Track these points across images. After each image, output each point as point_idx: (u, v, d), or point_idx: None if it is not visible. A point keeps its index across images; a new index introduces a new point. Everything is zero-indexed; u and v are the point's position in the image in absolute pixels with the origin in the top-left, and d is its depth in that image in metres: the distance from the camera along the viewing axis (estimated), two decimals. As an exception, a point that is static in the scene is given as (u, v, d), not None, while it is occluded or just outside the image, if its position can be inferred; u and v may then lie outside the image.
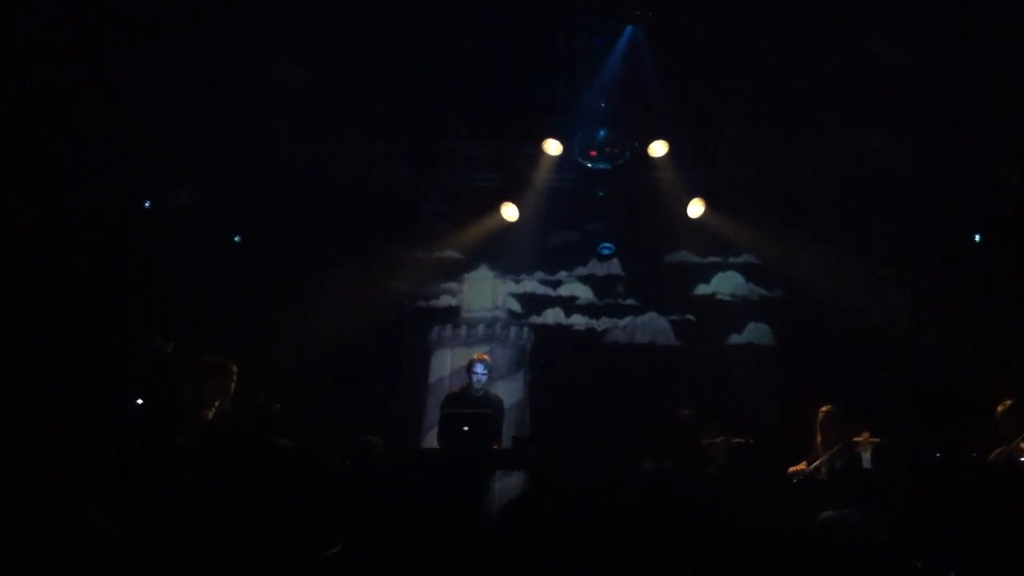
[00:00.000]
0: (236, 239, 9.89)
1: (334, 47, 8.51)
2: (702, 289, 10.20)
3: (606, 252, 10.24)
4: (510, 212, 9.84)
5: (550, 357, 10.20)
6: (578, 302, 10.33)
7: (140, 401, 7.46)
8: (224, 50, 8.28)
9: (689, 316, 10.19)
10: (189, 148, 9.05)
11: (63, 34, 7.49)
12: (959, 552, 6.76)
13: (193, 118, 8.70)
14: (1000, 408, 7.25)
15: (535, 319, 10.40)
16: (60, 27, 7.46)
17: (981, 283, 9.05)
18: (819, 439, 7.64)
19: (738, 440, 7.87)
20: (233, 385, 6.94)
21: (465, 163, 9.93)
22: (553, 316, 10.36)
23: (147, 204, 9.44)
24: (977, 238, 9.28)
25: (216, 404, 6.85)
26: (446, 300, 10.39)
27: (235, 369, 6.97)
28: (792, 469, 7.63)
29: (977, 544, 6.68)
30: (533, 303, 10.42)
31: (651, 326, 10.18)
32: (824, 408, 7.70)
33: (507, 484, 9.49)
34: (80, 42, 7.61)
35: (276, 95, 8.80)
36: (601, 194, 9.98)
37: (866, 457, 7.31)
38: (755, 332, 10.03)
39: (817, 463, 7.49)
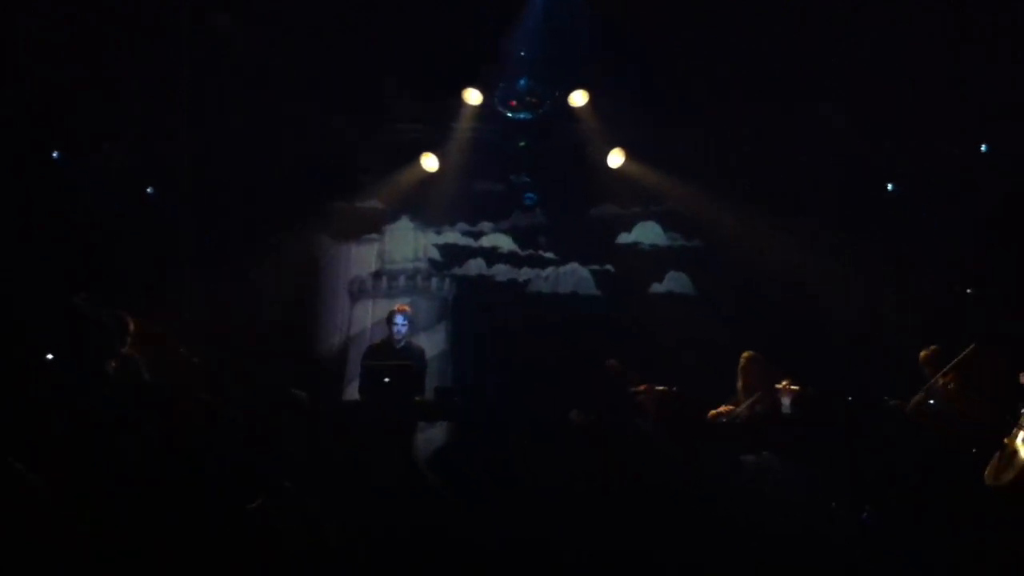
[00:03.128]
0: (149, 191, 9.62)
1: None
2: (624, 238, 10.27)
3: (529, 203, 10.22)
4: (430, 163, 9.74)
5: (472, 308, 10.20)
6: (500, 252, 10.31)
7: (50, 356, 7.31)
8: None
9: (609, 266, 10.24)
10: (112, 101, 8.77)
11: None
12: (872, 493, 6.97)
13: (120, 71, 8.43)
14: (924, 354, 7.43)
15: (457, 270, 10.38)
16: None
17: (898, 234, 9.26)
18: (741, 385, 7.76)
19: (662, 388, 7.95)
20: (131, 337, 6.83)
21: (389, 113, 9.76)
22: (475, 267, 10.34)
23: (55, 155, 9.13)
24: (890, 187, 9.45)
25: (118, 357, 6.76)
26: (368, 251, 10.29)
27: (132, 321, 6.86)
28: (712, 413, 7.73)
29: (889, 485, 6.89)
30: (455, 254, 10.38)
31: (573, 276, 10.24)
32: (746, 354, 7.81)
33: (430, 435, 9.49)
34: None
35: (203, 47, 8.53)
36: (523, 144, 9.91)
37: (786, 403, 7.45)
38: (675, 281, 10.15)
39: (738, 408, 7.61)
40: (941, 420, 7.12)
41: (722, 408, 7.73)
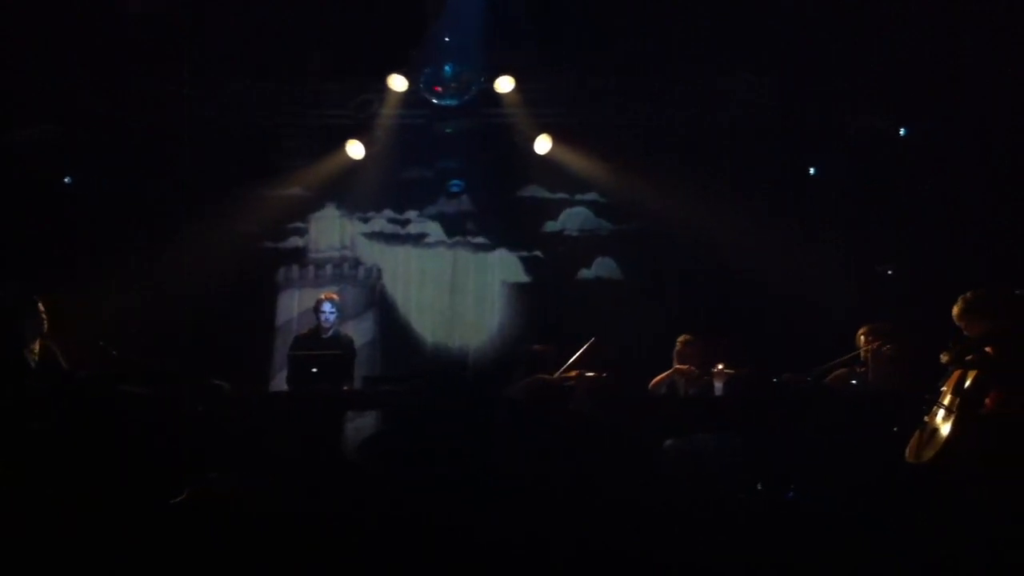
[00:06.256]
0: (66, 180, 9.38)
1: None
2: (551, 225, 10.23)
3: (455, 189, 10.15)
4: (355, 150, 9.63)
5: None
6: (428, 240, 10.24)
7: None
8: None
9: (538, 252, 10.23)
10: (30, 82, 8.54)
11: None
12: (797, 472, 7.07)
13: (38, 50, 8.19)
14: (864, 328, 7.57)
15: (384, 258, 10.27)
16: None
17: (823, 215, 9.41)
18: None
19: (592, 375, 7.97)
20: (45, 323, 6.67)
21: (314, 100, 9.64)
22: (403, 254, 10.24)
23: None
24: (812, 171, 9.59)
25: (36, 345, 6.61)
26: (293, 240, 10.15)
27: (42, 306, 6.69)
28: (654, 381, 7.78)
29: (813, 464, 7.00)
30: (382, 241, 10.26)
31: (502, 262, 10.20)
32: (682, 338, 7.88)
33: (360, 424, 9.41)
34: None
35: (128, 31, 8.32)
36: (449, 130, 9.85)
37: (719, 386, 7.53)
38: (603, 267, 10.17)
39: (673, 385, 7.68)
40: (858, 395, 7.30)
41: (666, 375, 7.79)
